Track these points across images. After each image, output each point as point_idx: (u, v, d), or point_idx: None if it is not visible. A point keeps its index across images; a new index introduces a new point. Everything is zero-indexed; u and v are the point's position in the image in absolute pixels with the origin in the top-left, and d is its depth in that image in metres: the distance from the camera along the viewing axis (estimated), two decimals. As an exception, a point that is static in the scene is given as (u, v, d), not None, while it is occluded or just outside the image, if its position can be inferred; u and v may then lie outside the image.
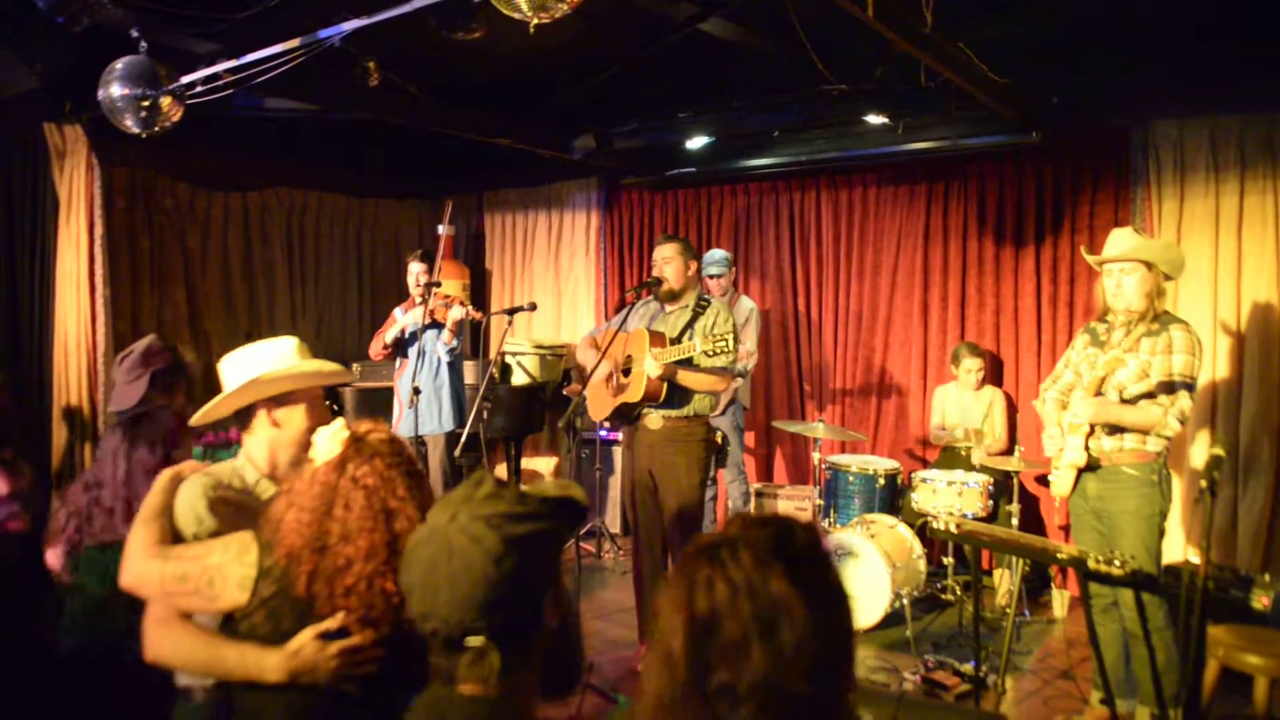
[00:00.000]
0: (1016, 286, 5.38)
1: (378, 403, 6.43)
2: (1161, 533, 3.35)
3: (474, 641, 1.19)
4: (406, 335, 5.37)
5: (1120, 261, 3.41)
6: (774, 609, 1.05)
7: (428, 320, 5.29)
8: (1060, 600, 4.85)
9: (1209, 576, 2.50)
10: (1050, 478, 3.60)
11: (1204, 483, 2.25)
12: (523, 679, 1.25)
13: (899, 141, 5.25)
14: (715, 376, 3.89)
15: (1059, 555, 2.92)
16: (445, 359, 5.34)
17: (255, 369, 2.02)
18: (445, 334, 5.24)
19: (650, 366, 3.74)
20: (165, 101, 3.68)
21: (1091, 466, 3.40)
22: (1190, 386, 3.28)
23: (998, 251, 5.43)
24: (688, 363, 3.82)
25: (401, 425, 5.43)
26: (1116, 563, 2.80)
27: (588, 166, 6.61)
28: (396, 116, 5.18)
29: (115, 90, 3.59)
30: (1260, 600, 3.86)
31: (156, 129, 3.69)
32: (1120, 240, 3.47)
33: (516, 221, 7.56)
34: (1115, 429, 3.34)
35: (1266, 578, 3.97)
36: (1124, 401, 3.32)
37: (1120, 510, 3.33)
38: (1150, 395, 3.29)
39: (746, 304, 5.66)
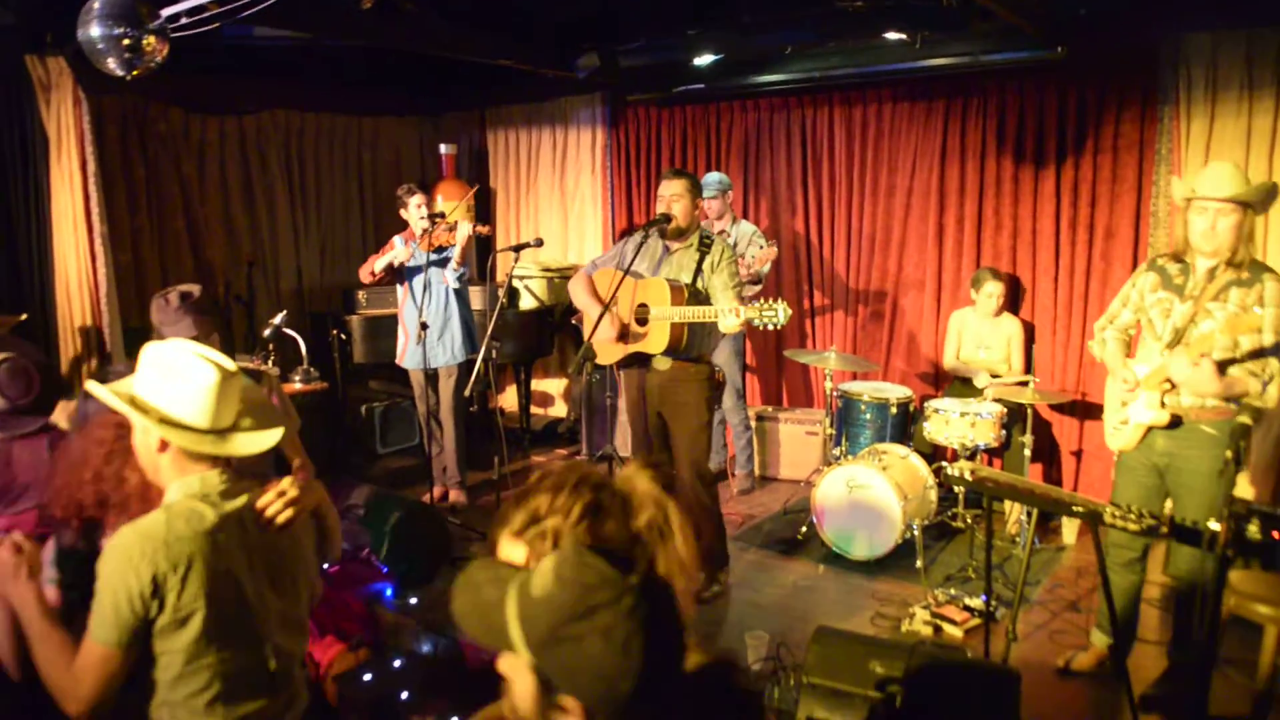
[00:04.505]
0: (1035, 209, 5.23)
1: (381, 330, 6.40)
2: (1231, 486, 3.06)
3: None
4: (398, 266, 5.22)
5: (1223, 203, 3.02)
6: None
7: (431, 247, 5.17)
8: (1070, 527, 4.87)
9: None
10: (1110, 428, 3.39)
11: (1229, 453, 2.20)
12: None
13: (916, 57, 5.03)
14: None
15: (1075, 508, 2.90)
16: (454, 286, 5.24)
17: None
18: (455, 257, 5.12)
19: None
20: (149, 40, 3.50)
21: (1170, 425, 3.14)
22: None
23: (1016, 172, 5.26)
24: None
25: (407, 358, 5.38)
26: (1133, 516, 2.77)
27: (592, 82, 6.38)
28: (393, 41, 4.96)
29: (95, 31, 3.42)
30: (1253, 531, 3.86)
31: (141, 70, 3.53)
32: (1224, 178, 3.04)
33: (520, 139, 7.35)
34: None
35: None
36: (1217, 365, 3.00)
37: (1193, 470, 3.13)
38: (1234, 360, 3.03)
39: (746, 227, 5.58)
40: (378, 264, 5.25)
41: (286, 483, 1.97)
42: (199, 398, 1.84)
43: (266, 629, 1.91)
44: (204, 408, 1.84)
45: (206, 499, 1.85)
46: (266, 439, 1.94)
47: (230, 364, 1.89)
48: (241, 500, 1.90)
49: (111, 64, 3.50)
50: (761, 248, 5.34)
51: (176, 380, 1.84)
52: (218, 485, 1.88)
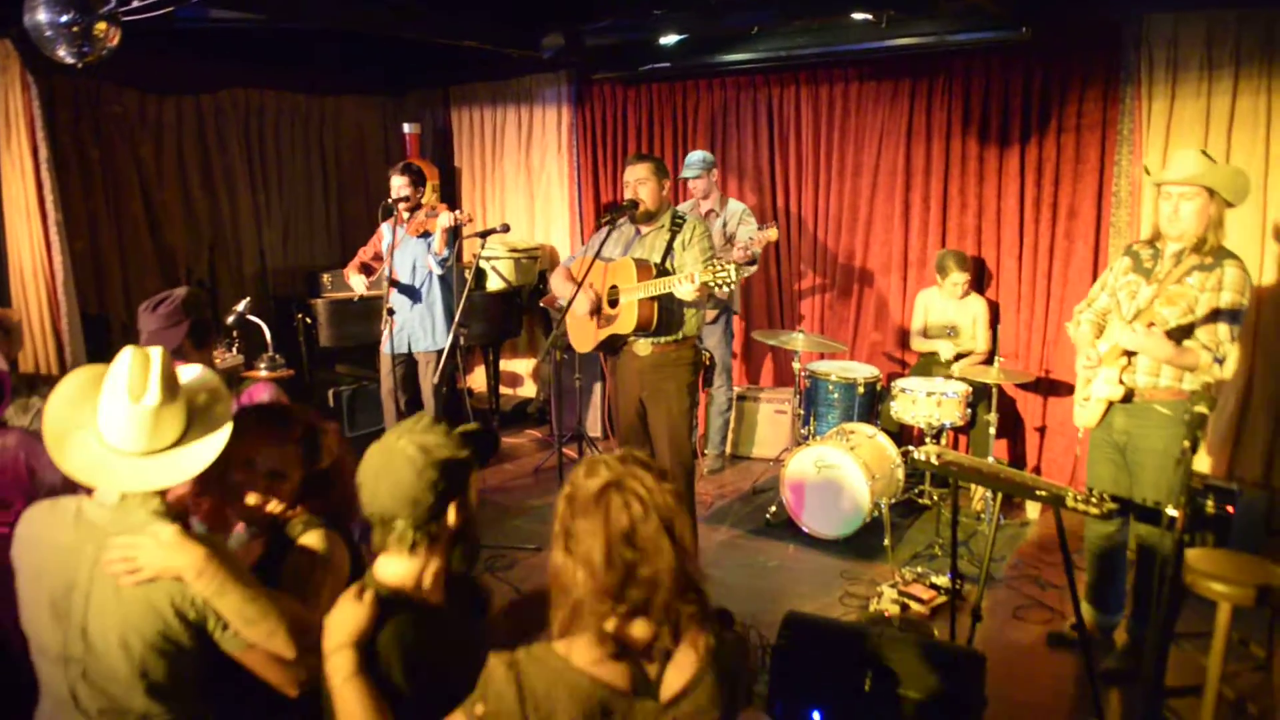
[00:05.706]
0: (1000, 188, 5.27)
1: (348, 314, 6.33)
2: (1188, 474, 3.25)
3: (399, 525, 1.66)
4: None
5: (1182, 186, 3.12)
6: (670, 514, 1.46)
7: (416, 232, 5.09)
8: (1033, 503, 4.96)
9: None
10: (1077, 407, 3.48)
11: (1186, 442, 2.25)
12: (433, 551, 1.72)
13: (882, 37, 5.03)
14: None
15: (1039, 492, 2.95)
16: (437, 271, 5.16)
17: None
18: (435, 244, 5.03)
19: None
20: (99, 27, 3.42)
21: (1124, 399, 3.25)
22: (1235, 320, 3.07)
23: (981, 151, 5.29)
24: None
25: (386, 344, 5.31)
26: (1094, 500, 2.83)
27: (558, 61, 6.30)
28: (352, 23, 4.87)
29: (42, 17, 3.33)
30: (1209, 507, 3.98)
31: (92, 58, 3.44)
32: (1184, 162, 3.15)
33: (485, 117, 7.26)
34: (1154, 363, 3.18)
35: (1235, 486, 4.08)
36: (1167, 336, 3.08)
37: (1147, 448, 3.22)
38: (1190, 332, 3.10)
39: (735, 206, 5.52)
40: (352, 280, 5.24)
41: (147, 544, 1.71)
42: (114, 419, 1.76)
43: (68, 666, 1.75)
44: (119, 430, 1.76)
45: (85, 507, 1.79)
46: (161, 475, 1.78)
47: (154, 398, 1.75)
48: (106, 524, 1.76)
49: (61, 52, 3.41)
50: (759, 228, 5.26)
51: (107, 395, 1.78)
52: (107, 501, 1.78)
